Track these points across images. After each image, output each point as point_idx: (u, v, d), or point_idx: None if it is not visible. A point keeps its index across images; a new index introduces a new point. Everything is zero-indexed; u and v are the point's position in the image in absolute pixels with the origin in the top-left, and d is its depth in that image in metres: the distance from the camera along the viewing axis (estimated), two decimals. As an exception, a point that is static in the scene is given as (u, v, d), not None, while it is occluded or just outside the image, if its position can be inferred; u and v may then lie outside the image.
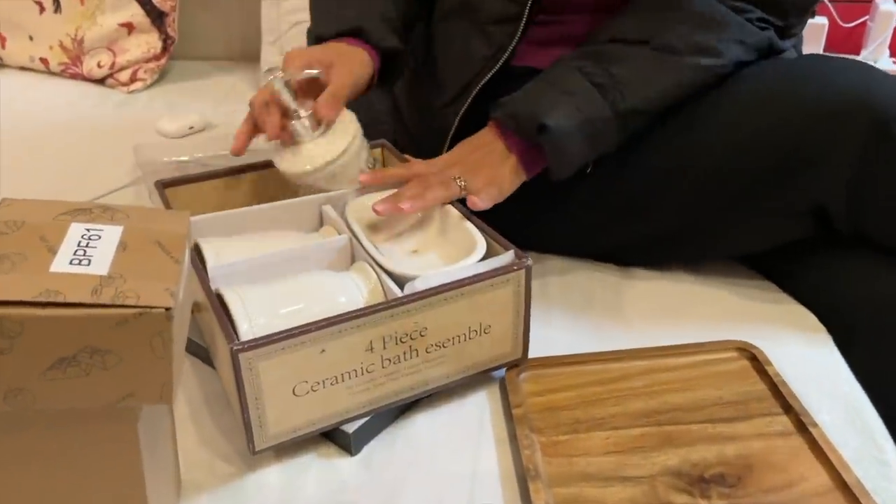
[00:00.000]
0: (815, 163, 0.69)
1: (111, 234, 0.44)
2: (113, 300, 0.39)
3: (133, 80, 1.30)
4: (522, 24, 0.77)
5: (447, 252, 0.68)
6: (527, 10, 0.76)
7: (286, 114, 0.71)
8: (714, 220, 0.76)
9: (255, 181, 0.80)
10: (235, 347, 0.52)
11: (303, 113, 0.71)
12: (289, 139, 0.72)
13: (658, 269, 0.82)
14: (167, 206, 0.73)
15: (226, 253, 0.65)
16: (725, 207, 0.74)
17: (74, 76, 1.33)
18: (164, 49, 1.32)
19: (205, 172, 0.78)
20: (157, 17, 1.30)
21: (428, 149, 0.82)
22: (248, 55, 1.39)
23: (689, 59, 0.71)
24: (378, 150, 0.85)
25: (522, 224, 0.75)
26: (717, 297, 0.78)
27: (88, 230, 0.44)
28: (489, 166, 0.72)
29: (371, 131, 0.98)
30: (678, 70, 0.72)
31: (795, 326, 0.73)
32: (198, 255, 0.66)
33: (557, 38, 0.81)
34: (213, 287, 0.60)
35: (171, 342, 0.40)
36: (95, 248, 0.43)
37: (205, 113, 1.21)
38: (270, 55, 1.27)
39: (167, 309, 0.39)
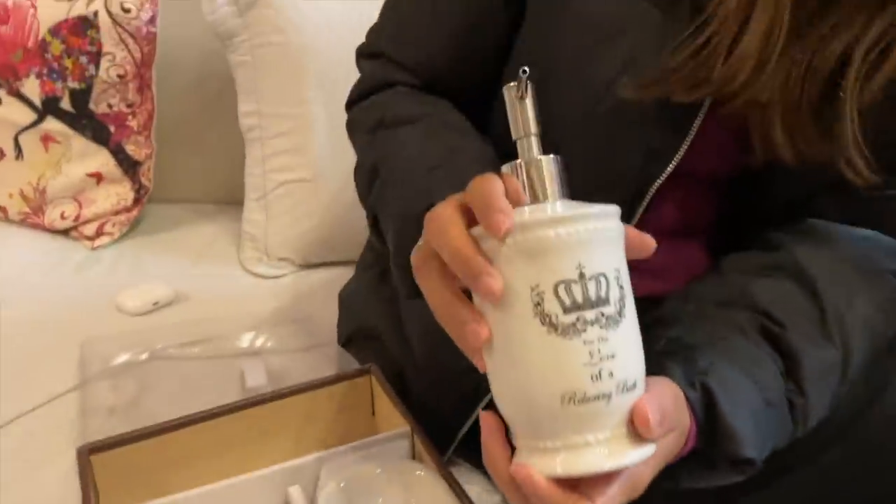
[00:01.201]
0: None
1: None
2: None
3: (99, 233, 1.17)
4: None
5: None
6: None
7: None
8: None
9: (210, 434, 0.64)
10: None
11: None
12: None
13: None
14: (90, 485, 0.57)
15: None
16: None
17: (35, 226, 1.19)
18: (137, 200, 1.19)
19: (145, 430, 0.62)
20: (131, 167, 1.17)
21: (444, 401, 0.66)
22: (232, 199, 1.26)
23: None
24: (363, 379, 0.70)
25: None
26: None
27: None
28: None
29: (360, 346, 0.83)
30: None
31: None
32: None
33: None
34: None
35: None
36: None
37: (175, 279, 1.07)
38: (253, 213, 1.14)
39: None
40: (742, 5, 0.51)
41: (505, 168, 0.42)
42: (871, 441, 0.58)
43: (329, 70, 1.06)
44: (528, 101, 0.42)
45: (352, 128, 0.71)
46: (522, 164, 0.42)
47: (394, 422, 0.66)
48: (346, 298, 0.90)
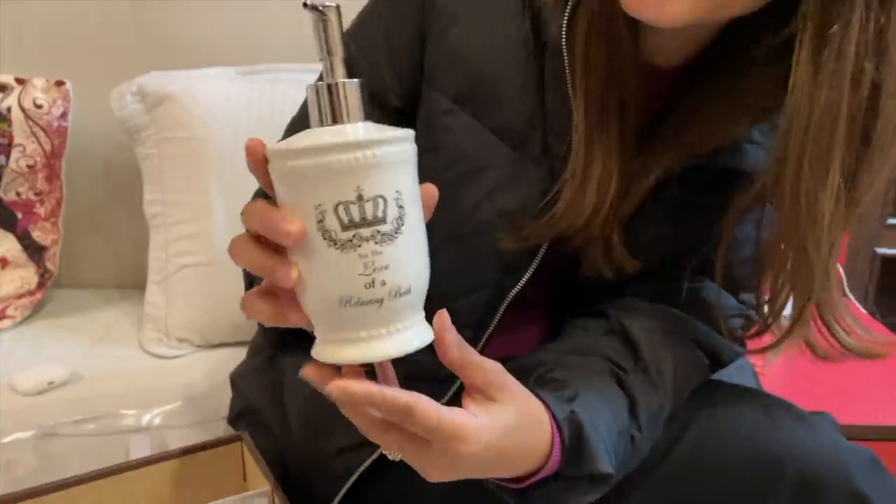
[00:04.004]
0: None
1: None
2: None
3: (1, 317, 1.19)
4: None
5: None
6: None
7: None
8: None
9: (87, 498, 0.68)
10: None
11: None
12: None
13: None
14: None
15: None
16: None
17: (-65, 310, 1.21)
18: (41, 284, 1.23)
19: (17, 493, 0.66)
20: (36, 252, 1.22)
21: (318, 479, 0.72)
22: (137, 283, 1.31)
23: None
24: (235, 446, 0.75)
25: None
26: None
27: None
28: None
29: (246, 424, 0.87)
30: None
31: None
32: None
33: None
34: None
35: None
36: None
37: (73, 360, 1.10)
38: (154, 295, 1.19)
39: None
40: (583, 165, 0.62)
41: (308, 86, 0.45)
42: (671, 478, 0.67)
43: (228, 162, 1.15)
44: (333, 23, 0.43)
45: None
46: (324, 85, 0.44)
47: (263, 486, 0.71)
48: (237, 379, 0.95)
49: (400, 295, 0.45)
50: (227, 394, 0.96)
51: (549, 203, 0.64)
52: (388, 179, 0.43)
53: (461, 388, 0.53)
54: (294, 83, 1.19)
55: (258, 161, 0.44)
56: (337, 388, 0.46)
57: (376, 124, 0.45)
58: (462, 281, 0.68)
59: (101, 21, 1.26)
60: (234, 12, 1.28)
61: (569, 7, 0.61)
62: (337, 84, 0.43)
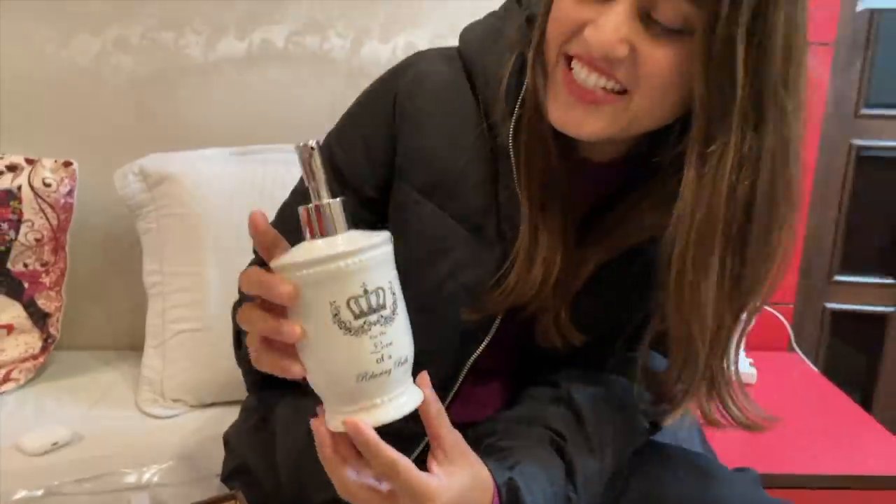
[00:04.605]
0: None
1: None
2: None
3: (6, 380, 1.27)
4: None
5: None
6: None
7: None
8: None
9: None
10: None
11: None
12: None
13: None
14: None
15: None
16: None
17: (-57, 374, 1.29)
18: (44, 348, 1.31)
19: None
20: (41, 319, 1.30)
21: None
22: (134, 345, 1.40)
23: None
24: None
25: None
26: None
27: None
28: None
29: (239, 482, 0.95)
30: None
31: None
32: None
33: None
34: None
35: None
36: None
37: (75, 421, 1.18)
38: (151, 359, 1.28)
39: None
40: (529, 247, 0.73)
41: (300, 209, 0.54)
42: None
43: (223, 237, 1.25)
44: (316, 160, 0.53)
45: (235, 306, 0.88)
46: (314, 206, 0.53)
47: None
48: (230, 438, 1.03)
49: (401, 364, 0.56)
50: (218, 450, 1.04)
51: (503, 278, 0.74)
52: (384, 273, 0.54)
53: (425, 449, 0.63)
54: (283, 163, 1.29)
55: (259, 231, 0.54)
56: (353, 425, 0.55)
57: (360, 231, 0.54)
58: (429, 348, 0.78)
59: (106, 106, 1.38)
60: (228, 98, 1.40)
61: (513, 119, 0.72)
62: (325, 204, 0.53)
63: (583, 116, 0.65)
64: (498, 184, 0.74)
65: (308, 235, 0.54)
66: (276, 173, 1.28)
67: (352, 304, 0.52)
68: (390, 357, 0.54)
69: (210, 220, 1.25)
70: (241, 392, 1.14)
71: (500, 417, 0.79)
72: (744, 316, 0.68)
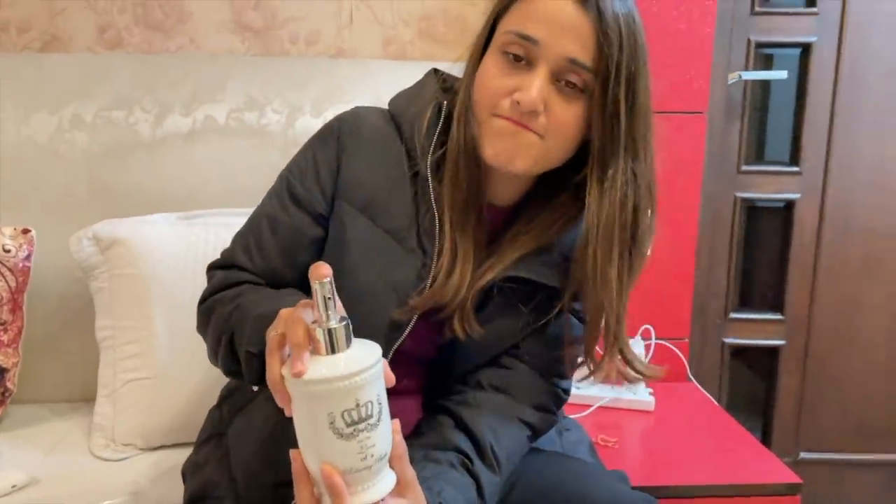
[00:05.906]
0: None
1: None
2: None
3: (-35, 432, 1.37)
4: None
5: None
6: None
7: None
8: None
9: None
10: None
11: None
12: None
13: None
14: None
15: None
16: None
17: None
18: (1, 402, 1.41)
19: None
20: (-2, 374, 1.41)
21: None
22: (87, 397, 1.50)
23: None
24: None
25: None
26: None
27: None
28: None
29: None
30: None
31: None
32: None
33: None
34: None
35: None
36: None
37: (31, 467, 1.28)
38: (103, 406, 1.39)
39: None
40: (448, 261, 0.91)
41: (317, 329, 0.65)
42: None
43: (169, 293, 1.38)
44: (328, 288, 0.65)
45: (208, 309, 0.98)
46: (324, 328, 0.65)
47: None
48: (187, 469, 1.11)
49: (381, 458, 0.68)
50: (170, 486, 1.15)
51: (425, 280, 0.93)
52: (373, 389, 0.66)
53: None
54: (224, 226, 1.43)
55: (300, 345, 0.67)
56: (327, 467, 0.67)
57: (357, 345, 0.67)
58: (362, 335, 0.85)
59: (62, 177, 1.52)
60: (175, 169, 1.56)
61: (431, 154, 0.92)
62: (333, 328, 0.66)
63: (513, 150, 0.85)
64: (418, 205, 0.94)
65: (317, 351, 0.66)
66: (216, 235, 1.42)
67: (345, 415, 0.65)
68: (372, 455, 0.67)
69: (157, 277, 1.38)
70: (189, 434, 1.26)
71: (418, 447, 0.94)
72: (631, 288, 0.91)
